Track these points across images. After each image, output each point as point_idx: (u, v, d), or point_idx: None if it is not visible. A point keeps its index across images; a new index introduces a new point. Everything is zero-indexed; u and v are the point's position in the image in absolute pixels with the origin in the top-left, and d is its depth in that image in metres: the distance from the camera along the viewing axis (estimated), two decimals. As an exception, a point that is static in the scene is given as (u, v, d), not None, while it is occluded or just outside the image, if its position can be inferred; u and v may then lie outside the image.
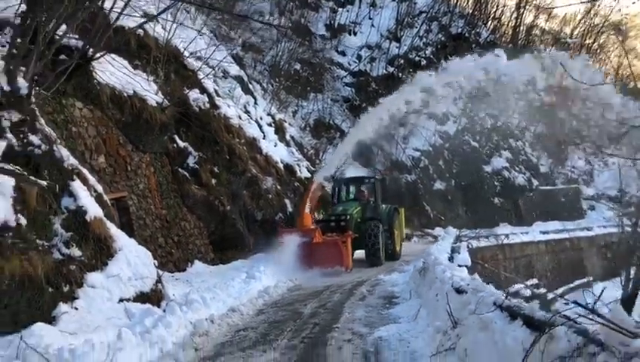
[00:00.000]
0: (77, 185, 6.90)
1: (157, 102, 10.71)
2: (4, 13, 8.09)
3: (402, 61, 30.22)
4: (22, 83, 6.44)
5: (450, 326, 5.23)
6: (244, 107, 16.85)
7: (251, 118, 16.57)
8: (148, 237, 9.82)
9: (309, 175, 18.97)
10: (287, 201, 15.81)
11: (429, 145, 27.56)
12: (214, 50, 14.28)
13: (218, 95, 14.48)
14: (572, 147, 30.79)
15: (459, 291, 5.80)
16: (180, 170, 11.40)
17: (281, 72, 24.37)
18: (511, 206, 28.67)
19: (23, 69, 6.62)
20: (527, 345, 3.74)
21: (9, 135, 6.01)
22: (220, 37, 19.47)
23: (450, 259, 12.03)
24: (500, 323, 4.40)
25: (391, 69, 29.50)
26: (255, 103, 18.00)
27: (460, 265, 12.04)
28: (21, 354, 4.49)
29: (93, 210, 7.02)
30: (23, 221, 5.72)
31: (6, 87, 6.19)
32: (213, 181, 12.25)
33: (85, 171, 7.54)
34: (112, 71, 9.77)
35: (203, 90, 13.03)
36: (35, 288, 5.70)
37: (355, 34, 30.86)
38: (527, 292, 18.11)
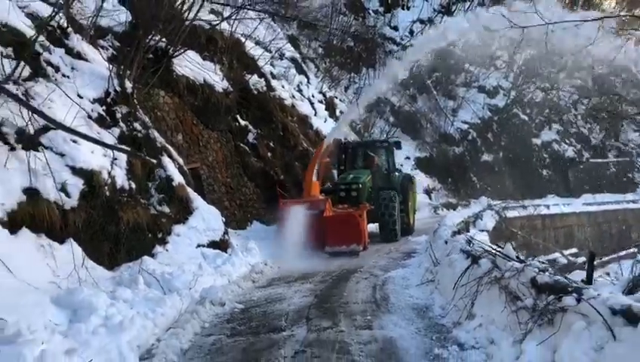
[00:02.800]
0: (165, 159, 9.35)
1: (222, 89, 13.04)
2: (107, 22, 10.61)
3: (455, 35, 31.27)
4: (127, 84, 8.89)
5: (432, 266, 7.32)
6: (298, 86, 19.01)
7: (304, 97, 18.72)
8: (216, 200, 12.24)
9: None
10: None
11: (478, 118, 28.78)
12: (272, 40, 16.42)
13: (274, 77, 16.70)
14: (627, 120, 31.06)
15: (446, 242, 7.85)
16: (241, 144, 13.76)
17: (334, 49, 26.19)
18: (560, 178, 29.62)
19: (128, 72, 9.04)
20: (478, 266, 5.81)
21: (121, 123, 8.47)
22: (278, 19, 21.58)
23: (473, 223, 13.94)
24: (459, 262, 6.45)
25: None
26: (308, 82, 20.13)
27: (481, 230, 13.98)
28: (140, 273, 6.94)
29: (177, 178, 9.45)
30: (133, 185, 8.18)
31: (118, 88, 8.62)
32: (269, 154, 14.56)
33: (170, 148, 9.99)
34: (186, 64, 12.13)
35: (261, 75, 15.27)
36: (141, 233, 8.18)
37: (408, 8, 32.09)
38: (564, 261, 19.59)
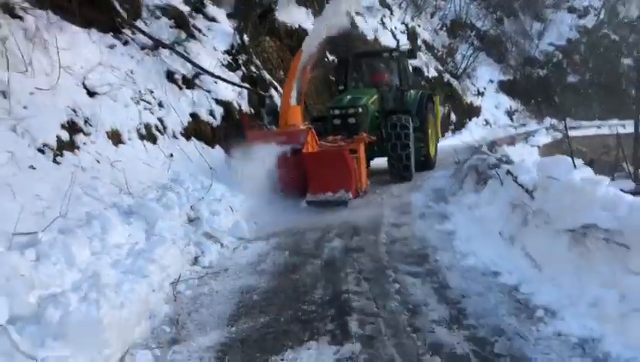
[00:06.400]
0: (272, 92, 13.34)
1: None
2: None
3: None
4: (245, 37, 12.84)
5: (458, 163, 10.88)
6: (381, 19, 22.14)
7: (386, 29, 21.86)
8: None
9: (436, 74, 23.95)
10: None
11: (565, 40, 30.17)
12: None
13: (358, 14, 19.98)
14: None
15: (474, 150, 11.29)
16: (330, 77, 17.47)
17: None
18: (652, 98, 30.51)
19: (244, 27, 12.96)
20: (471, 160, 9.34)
21: (242, 68, 12.49)
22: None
23: (525, 140, 17.00)
24: (471, 157, 9.97)
25: (533, -35, 31.64)
26: (391, 14, 23.12)
27: (532, 145, 16.99)
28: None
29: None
30: (252, 111, 12.28)
31: (239, 41, 12.60)
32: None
33: (275, 83, 13.95)
34: (284, 13, 15.84)
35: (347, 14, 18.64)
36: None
37: None
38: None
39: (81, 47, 8.86)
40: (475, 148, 9.77)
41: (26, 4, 8.06)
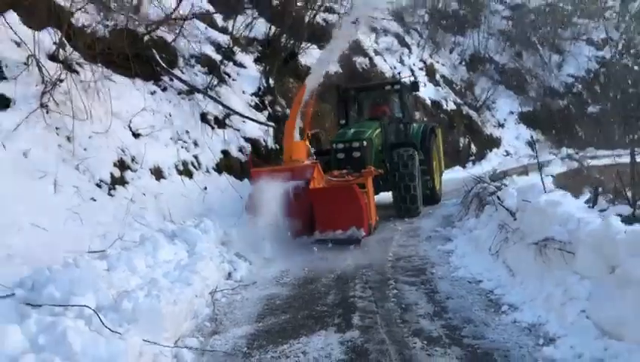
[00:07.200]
0: (296, 128, 14.59)
1: (334, 71, 18.04)
2: (252, 34, 15.97)
3: (563, -10, 33.22)
4: (270, 80, 14.21)
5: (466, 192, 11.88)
6: (400, 57, 23.47)
7: (404, 66, 23.15)
8: (332, 156, 17.42)
9: (455, 107, 25.05)
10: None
11: (584, 71, 31.03)
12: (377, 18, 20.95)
13: (377, 54, 21.35)
14: None
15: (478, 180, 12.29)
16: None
17: (439, 14, 29.86)
18: (676, 127, 30.97)
19: (270, 71, 14.35)
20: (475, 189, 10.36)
21: (268, 108, 13.83)
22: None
23: (539, 169, 17.86)
24: (475, 186, 10.98)
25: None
26: (409, 52, 24.45)
27: (546, 175, 17.82)
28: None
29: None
30: (277, 147, 13.53)
31: (265, 84, 13.97)
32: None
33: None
34: (307, 56, 17.25)
35: (365, 55, 20.02)
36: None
37: (514, -34, 34.44)
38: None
39: (127, 95, 10.29)
40: (478, 178, 10.77)
41: (81, 60, 9.51)
